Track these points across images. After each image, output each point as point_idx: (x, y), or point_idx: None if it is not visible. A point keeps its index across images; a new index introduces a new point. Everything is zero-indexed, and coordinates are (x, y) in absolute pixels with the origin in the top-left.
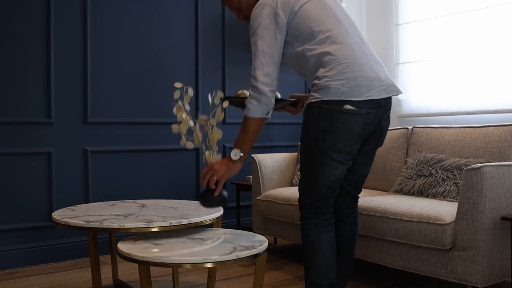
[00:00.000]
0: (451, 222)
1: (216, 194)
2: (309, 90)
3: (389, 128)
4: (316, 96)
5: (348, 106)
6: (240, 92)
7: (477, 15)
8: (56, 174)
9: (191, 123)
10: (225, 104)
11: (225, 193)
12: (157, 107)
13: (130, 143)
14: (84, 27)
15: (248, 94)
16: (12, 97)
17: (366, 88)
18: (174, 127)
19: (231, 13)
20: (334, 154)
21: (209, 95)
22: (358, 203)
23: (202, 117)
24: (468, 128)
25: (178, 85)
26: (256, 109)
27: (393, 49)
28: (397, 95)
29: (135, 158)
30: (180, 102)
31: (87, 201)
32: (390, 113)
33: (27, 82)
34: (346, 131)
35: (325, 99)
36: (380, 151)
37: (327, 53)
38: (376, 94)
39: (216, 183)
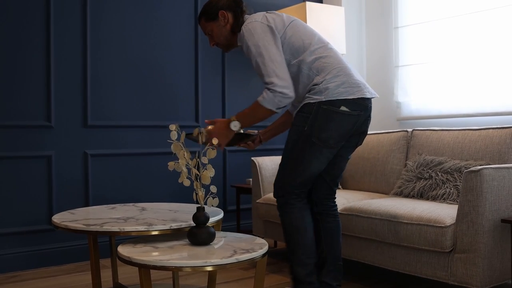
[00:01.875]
0: (451, 224)
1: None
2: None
3: (389, 130)
4: (314, 98)
5: (343, 108)
6: (196, 129)
7: (476, 17)
8: (56, 177)
9: (188, 160)
10: (215, 141)
11: (212, 229)
12: (157, 110)
13: (130, 147)
14: (84, 31)
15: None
16: (12, 101)
17: (357, 89)
18: (170, 165)
19: None
20: (324, 149)
21: (195, 132)
22: (358, 205)
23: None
24: (468, 131)
25: (172, 127)
26: (268, 101)
27: (393, 52)
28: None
29: (135, 161)
30: (177, 142)
31: (87, 205)
32: (370, 118)
33: (26, 85)
34: (339, 129)
35: (324, 100)
36: (380, 153)
37: (322, 61)
38: (366, 94)
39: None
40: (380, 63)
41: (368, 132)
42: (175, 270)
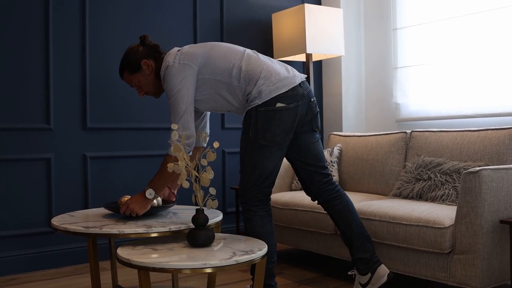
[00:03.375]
0: (450, 225)
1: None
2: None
3: (388, 132)
4: (251, 104)
5: (279, 104)
6: (124, 198)
7: (475, 19)
8: (55, 180)
9: (188, 162)
10: (216, 144)
11: (211, 231)
12: (156, 112)
13: (129, 149)
14: (83, 32)
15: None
16: (11, 103)
17: (285, 81)
18: (170, 166)
19: (229, 18)
20: (273, 148)
21: (198, 135)
22: (357, 207)
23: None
24: (466, 132)
25: (174, 126)
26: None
27: (391, 54)
28: (306, 78)
29: (134, 163)
30: (177, 143)
31: (86, 207)
32: (315, 100)
33: (26, 88)
34: (282, 124)
35: (260, 102)
36: (379, 155)
37: (246, 71)
38: (294, 81)
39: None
40: (378, 65)
41: (367, 134)
42: (175, 272)
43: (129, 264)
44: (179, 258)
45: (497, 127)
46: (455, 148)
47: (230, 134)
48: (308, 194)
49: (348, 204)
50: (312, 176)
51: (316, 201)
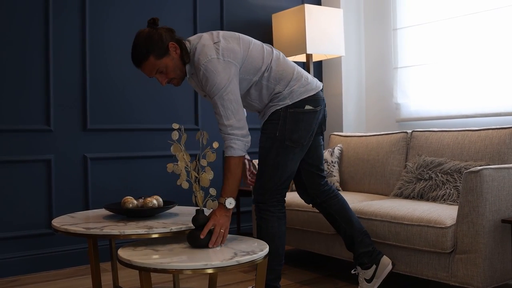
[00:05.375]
0: (452, 225)
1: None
2: (259, 113)
3: (389, 132)
4: (280, 104)
5: (308, 107)
6: (126, 199)
7: (475, 19)
8: (56, 181)
9: (188, 163)
10: (215, 144)
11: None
12: (156, 113)
13: (130, 150)
14: (83, 34)
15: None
16: (11, 105)
17: (311, 85)
18: (169, 167)
19: (229, 18)
20: (296, 149)
21: (198, 135)
22: (358, 207)
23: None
24: (467, 132)
25: (175, 126)
26: (240, 147)
27: (391, 54)
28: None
29: (134, 164)
30: (177, 143)
31: (87, 208)
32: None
33: (26, 89)
34: (308, 127)
35: (290, 103)
36: (379, 155)
37: (277, 71)
38: (319, 85)
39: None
40: (379, 65)
41: (368, 134)
42: (176, 273)
43: (130, 265)
44: (180, 258)
45: (498, 127)
46: (456, 147)
47: None
48: (303, 196)
49: (344, 202)
50: (313, 177)
51: (311, 204)
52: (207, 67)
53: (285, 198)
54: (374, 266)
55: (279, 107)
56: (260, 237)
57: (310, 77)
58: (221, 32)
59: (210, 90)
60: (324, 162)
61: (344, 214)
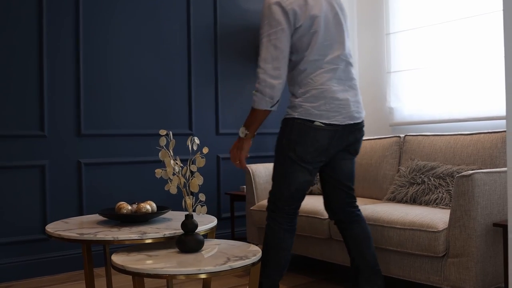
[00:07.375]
0: (444, 229)
1: (243, 167)
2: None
3: (382, 136)
4: (289, 113)
5: (317, 123)
6: (121, 204)
7: (467, 23)
8: (50, 187)
9: (176, 168)
10: (205, 150)
11: (200, 237)
12: (150, 119)
13: (124, 155)
14: (77, 39)
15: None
16: (5, 110)
17: (334, 113)
18: (157, 172)
19: (223, 23)
20: (303, 163)
21: (188, 141)
22: None
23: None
24: (459, 136)
25: (162, 132)
26: (260, 102)
27: (385, 58)
28: (359, 122)
29: (128, 170)
30: (165, 149)
31: (81, 214)
32: (362, 126)
33: (20, 95)
34: (315, 143)
35: (296, 116)
36: (372, 159)
37: (309, 74)
38: (341, 120)
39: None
40: (372, 69)
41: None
42: (169, 278)
43: (123, 270)
44: (174, 264)
45: (489, 131)
46: (448, 152)
47: (225, 140)
48: (326, 209)
49: (366, 233)
50: (336, 193)
51: (333, 221)
52: (268, 4)
53: (287, 207)
54: None
55: (288, 116)
56: (264, 243)
57: (340, 107)
58: None
59: (261, 26)
60: (353, 181)
61: (359, 243)
